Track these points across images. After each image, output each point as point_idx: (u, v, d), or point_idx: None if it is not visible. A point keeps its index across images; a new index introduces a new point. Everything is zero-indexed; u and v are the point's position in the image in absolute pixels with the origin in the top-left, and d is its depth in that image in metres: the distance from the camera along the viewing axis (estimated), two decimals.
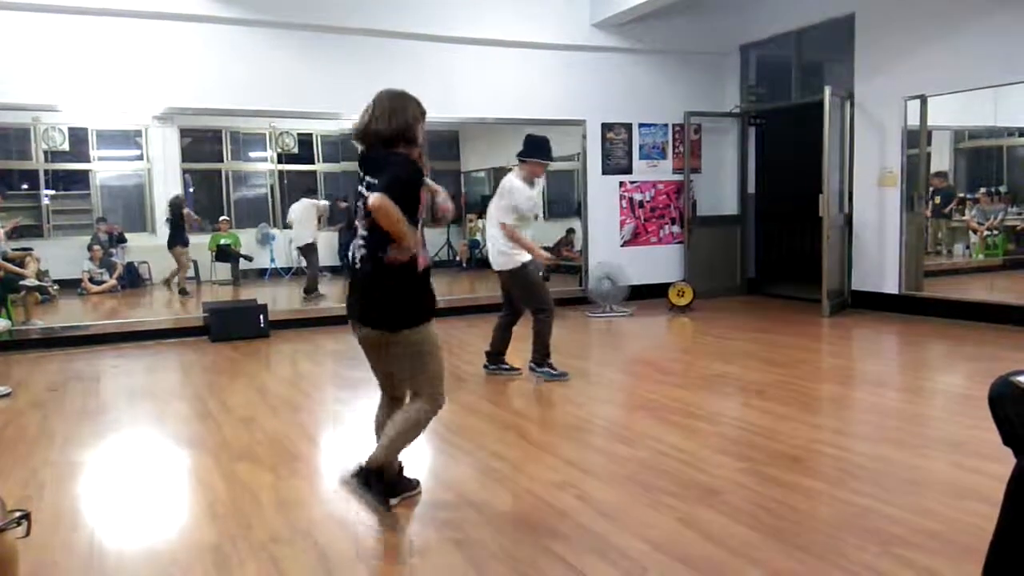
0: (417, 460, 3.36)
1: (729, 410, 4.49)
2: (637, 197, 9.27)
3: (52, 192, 11.84)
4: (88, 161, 11.93)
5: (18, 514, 1.17)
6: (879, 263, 7.75)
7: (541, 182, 5.30)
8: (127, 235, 11.66)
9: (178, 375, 6.04)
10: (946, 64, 6.97)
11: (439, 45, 8.09)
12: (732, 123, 9.57)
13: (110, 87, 7.04)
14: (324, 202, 10.80)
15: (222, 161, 12.83)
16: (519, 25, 8.37)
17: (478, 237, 13.94)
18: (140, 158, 12.23)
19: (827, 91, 7.49)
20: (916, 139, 7.37)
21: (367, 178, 2.84)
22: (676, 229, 9.46)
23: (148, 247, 11.73)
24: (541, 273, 9.70)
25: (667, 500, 3.01)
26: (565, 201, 12.29)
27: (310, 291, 9.37)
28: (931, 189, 7.80)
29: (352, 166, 12.51)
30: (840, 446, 3.66)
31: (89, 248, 10.86)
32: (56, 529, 2.90)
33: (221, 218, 12.00)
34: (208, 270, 11.81)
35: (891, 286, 7.64)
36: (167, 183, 11.98)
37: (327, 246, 12.25)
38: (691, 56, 9.24)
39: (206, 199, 12.91)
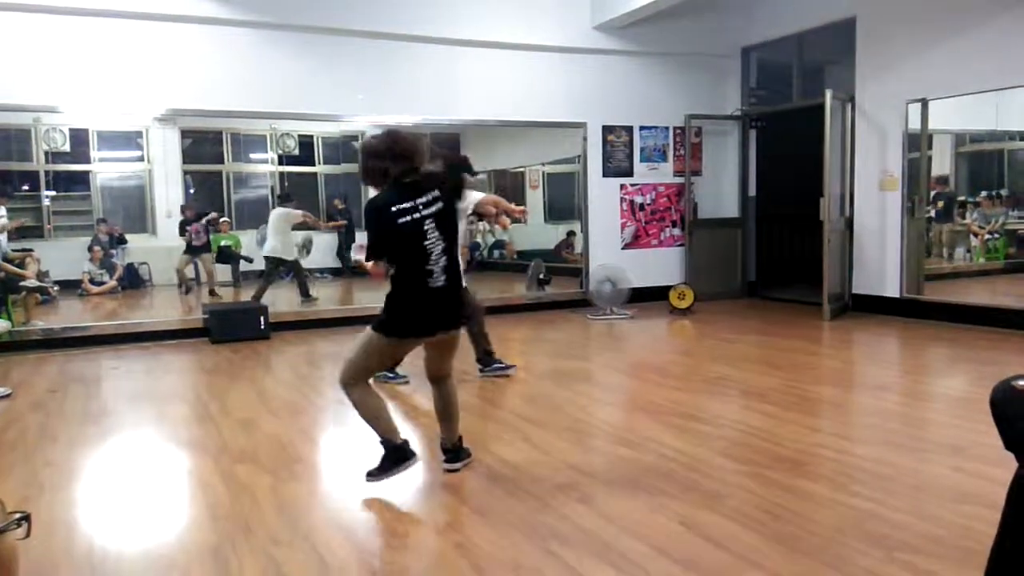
0: (418, 459, 3.35)
1: (730, 413, 4.49)
2: (638, 200, 9.27)
3: (53, 193, 11.83)
4: (89, 162, 11.93)
5: (18, 515, 1.16)
6: (880, 267, 7.75)
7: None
8: (127, 236, 11.66)
9: (178, 377, 6.04)
10: (947, 67, 6.97)
11: (440, 47, 8.10)
12: (733, 126, 9.57)
13: (111, 88, 7.04)
14: (298, 211, 9.57)
15: (223, 163, 12.84)
16: (520, 27, 8.38)
17: (479, 239, 13.95)
18: (141, 159, 12.23)
19: (828, 94, 7.49)
20: (917, 142, 7.37)
21: (418, 201, 3.10)
22: (677, 232, 9.46)
23: (148, 248, 11.75)
24: (541, 276, 9.68)
25: (669, 503, 3.00)
26: (566, 204, 12.30)
27: (305, 295, 9.22)
28: (932, 193, 7.80)
29: (352, 167, 12.62)
30: (841, 450, 3.65)
31: (89, 249, 10.86)
32: (56, 531, 2.89)
33: (221, 219, 12.00)
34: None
35: (892, 290, 7.64)
36: (168, 184, 12.00)
37: (328, 248, 12.28)
38: (692, 59, 9.24)
39: (207, 200, 12.91)
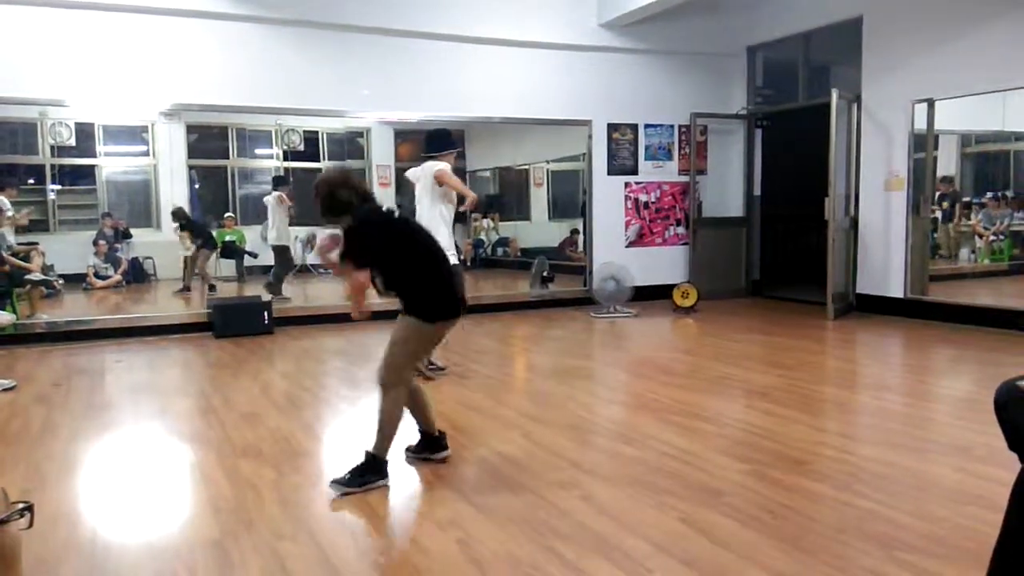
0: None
1: (733, 412, 4.49)
2: (643, 198, 9.26)
3: (58, 187, 11.86)
4: (94, 156, 11.96)
5: (21, 506, 1.17)
6: (884, 267, 7.73)
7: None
8: (132, 230, 11.69)
9: (182, 371, 6.05)
10: (954, 68, 6.94)
11: (446, 44, 8.09)
12: (738, 124, 9.56)
13: (117, 82, 7.06)
14: (277, 194, 9.38)
15: (228, 158, 12.85)
16: (526, 25, 8.37)
17: (482, 236, 13.96)
18: (146, 154, 12.25)
19: (834, 94, 7.48)
20: (923, 143, 7.36)
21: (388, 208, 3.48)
22: (681, 230, 9.45)
23: (153, 243, 11.77)
24: (545, 273, 9.67)
25: (670, 501, 3.00)
26: (570, 201, 12.30)
27: (272, 288, 8.83)
28: (937, 193, 7.77)
29: (358, 164, 12.65)
30: (844, 449, 3.65)
31: (94, 243, 10.88)
32: (59, 522, 2.90)
33: (226, 215, 12.03)
34: (213, 267, 11.81)
35: (896, 290, 7.62)
36: (173, 179, 12.01)
37: None
38: (698, 57, 9.22)
39: (212, 196, 12.94)
